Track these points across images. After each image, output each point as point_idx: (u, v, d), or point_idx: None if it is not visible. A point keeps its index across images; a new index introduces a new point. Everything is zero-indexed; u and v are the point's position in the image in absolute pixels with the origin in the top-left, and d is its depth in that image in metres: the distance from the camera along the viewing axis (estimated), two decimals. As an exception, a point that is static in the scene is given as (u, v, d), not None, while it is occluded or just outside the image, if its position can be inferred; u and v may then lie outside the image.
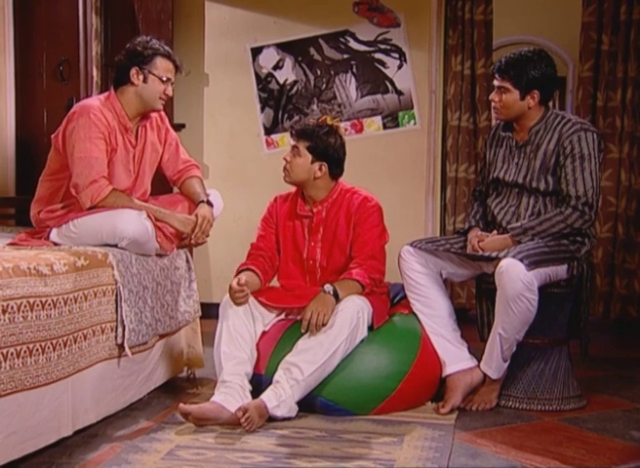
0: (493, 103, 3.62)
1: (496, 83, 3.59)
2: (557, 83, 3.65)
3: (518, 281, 3.24)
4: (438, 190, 5.62)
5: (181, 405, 3.16)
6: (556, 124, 3.53)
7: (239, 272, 3.62)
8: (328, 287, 3.42)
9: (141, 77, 3.53)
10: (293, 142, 3.63)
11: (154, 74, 3.53)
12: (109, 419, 3.23)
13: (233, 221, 5.53)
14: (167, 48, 3.60)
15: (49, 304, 2.75)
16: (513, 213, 3.60)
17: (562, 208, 3.46)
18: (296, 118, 5.63)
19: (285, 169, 3.63)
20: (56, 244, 3.46)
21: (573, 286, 3.56)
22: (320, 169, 3.59)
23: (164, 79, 3.55)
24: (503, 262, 3.29)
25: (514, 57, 3.55)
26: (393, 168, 5.62)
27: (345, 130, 5.54)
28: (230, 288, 3.46)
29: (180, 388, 3.83)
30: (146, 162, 3.70)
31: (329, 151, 3.59)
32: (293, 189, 3.77)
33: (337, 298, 3.39)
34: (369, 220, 3.61)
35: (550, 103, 3.71)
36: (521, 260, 3.26)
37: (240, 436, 3.06)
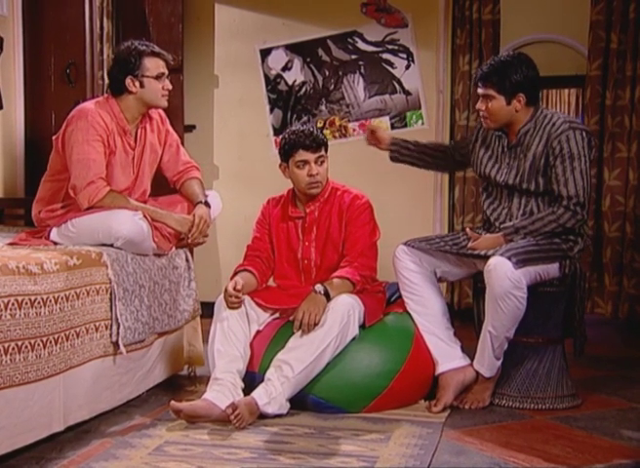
0: (480, 112, 3.60)
1: (479, 92, 3.57)
2: (540, 84, 3.62)
3: (505, 279, 3.25)
4: (446, 190, 5.63)
5: (173, 402, 3.21)
6: (545, 124, 3.52)
7: (236, 273, 3.67)
8: (319, 287, 3.46)
9: (138, 83, 3.59)
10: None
11: (148, 76, 3.59)
12: (105, 415, 3.29)
13: (243, 221, 5.56)
14: (149, 45, 3.65)
15: (38, 302, 2.81)
16: (506, 214, 3.61)
17: (554, 207, 3.46)
18: (304, 119, 5.67)
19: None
20: (56, 243, 3.53)
21: (566, 285, 3.55)
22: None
23: (158, 76, 3.61)
24: (491, 260, 3.30)
25: (494, 63, 3.53)
26: (401, 167, 5.54)
27: (353, 130, 5.63)
28: (225, 290, 3.51)
29: (180, 386, 3.88)
30: (146, 163, 3.76)
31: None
32: (285, 191, 3.80)
33: (328, 298, 3.43)
34: (360, 218, 3.64)
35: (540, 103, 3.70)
36: (509, 258, 3.27)
37: (230, 432, 3.11)
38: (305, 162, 3.60)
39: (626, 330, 5.39)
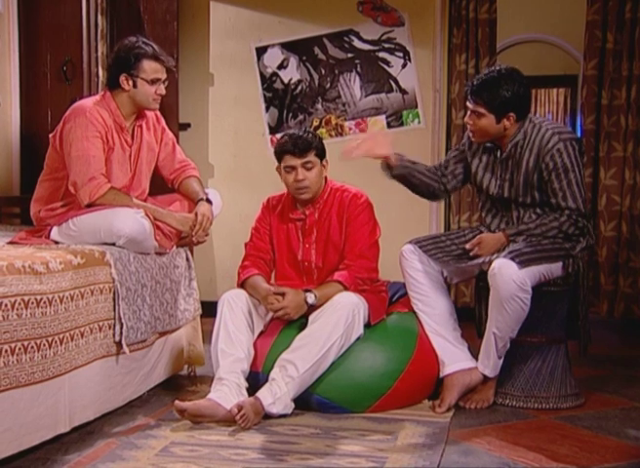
0: (468, 126, 3.57)
1: (469, 106, 3.52)
2: (530, 101, 3.56)
3: (511, 282, 3.24)
4: (443, 189, 5.61)
5: (177, 401, 3.18)
6: (534, 136, 3.48)
7: (246, 278, 3.63)
8: (311, 299, 3.46)
9: (131, 82, 3.55)
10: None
11: (142, 78, 3.54)
12: (107, 416, 3.26)
13: (238, 220, 5.54)
14: (153, 47, 3.60)
15: (44, 302, 2.77)
16: (506, 222, 3.61)
17: (557, 214, 3.45)
18: (300, 117, 5.65)
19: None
20: (56, 242, 3.50)
21: (570, 284, 3.55)
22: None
23: (153, 81, 3.57)
24: (496, 263, 3.30)
25: (486, 78, 3.47)
26: (398, 167, 5.61)
27: (350, 129, 5.61)
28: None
29: (180, 386, 3.86)
30: (143, 161, 3.72)
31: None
32: (284, 190, 3.79)
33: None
34: (359, 218, 3.62)
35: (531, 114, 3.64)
36: (512, 259, 3.26)
37: (235, 433, 3.09)
38: (292, 167, 3.58)
39: (622, 329, 5.41)
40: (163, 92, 3.62)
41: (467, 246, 3.55)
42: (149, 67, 3.56)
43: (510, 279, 3.24)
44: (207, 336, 4.07)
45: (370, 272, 3.63)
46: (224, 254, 5.75)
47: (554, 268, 3.42)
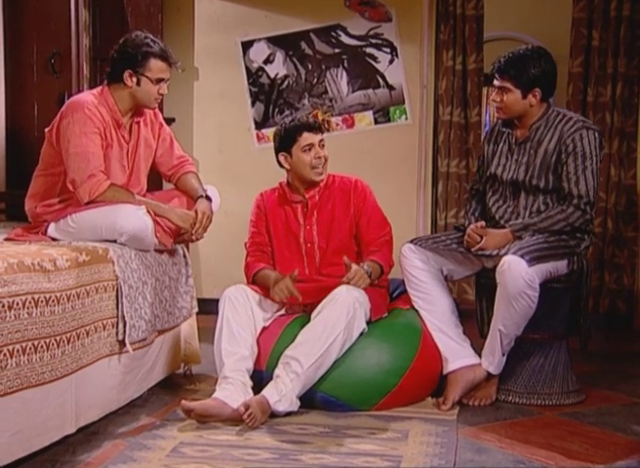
0: (495, 104, 3.60)
1: (496, 83, 3.57)
2: (556, 80, 3.64)
3: (520, 278, 3.24)
4: (429, 185, 5.61)
5: (184, 401, 3.13)
6: (557, 122, 3.53)
7: (256, 273, 3.65)
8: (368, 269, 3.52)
9: (135, 80, 3.47)
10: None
11: (147, 77, 3.47)
12: (110, 416, 3.20)
13: (224, 216, 5.45)
14: (161, 45, 3.52)
15: (52, 300, 2.71)
16: (512, 212, 3.60)
17: (564, 206, 3.47)
18: (286, 113, 5.61)
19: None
20: (54, 239, 3.42)
21: (573, 281, 3.56)
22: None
23: (157, 80, 3.50)
24: (505, 259, 3.29)
25: (513, 56, 3.53)
26: (385, 163, 5.61)
27: (337, 124, 5.60)
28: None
29: (178, 384, 3.80)
30: (140, 158, 3.66)
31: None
32: (276, 185, 3.78)
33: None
34: (369, 200, 3.72)
35: (551, 100, 3.70)
36: (522, 256, 3.26)
37: (243, 432, 3.05)
38: (311, 145, 3.61)
39: (607, 324, 5.44)
40: (165, 91, 3.55)
41: (472, 234, 3.55)
42: (156, 66, 3.48)
43: (519, 276, 3.23)
44: (199, 334, 4.02)
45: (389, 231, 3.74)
46: (209, 251, 5.68)
47: (560, 266, 3.43)
